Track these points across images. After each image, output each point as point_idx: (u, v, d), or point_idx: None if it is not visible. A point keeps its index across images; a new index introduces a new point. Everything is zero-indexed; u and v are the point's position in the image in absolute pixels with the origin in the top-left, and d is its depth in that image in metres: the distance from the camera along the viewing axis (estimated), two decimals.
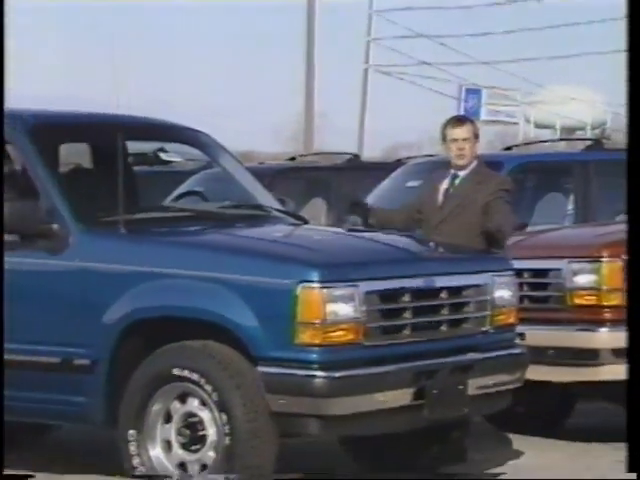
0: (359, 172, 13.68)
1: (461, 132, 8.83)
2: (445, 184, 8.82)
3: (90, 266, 7.47)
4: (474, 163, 8.80)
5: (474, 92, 38.39)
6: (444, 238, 8.38)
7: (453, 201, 8.69)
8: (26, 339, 7.58)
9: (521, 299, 8.14)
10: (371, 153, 22.84)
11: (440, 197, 8.77)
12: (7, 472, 5.87)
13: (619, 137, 22.44)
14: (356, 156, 15.95)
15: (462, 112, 37.61)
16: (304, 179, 13.61)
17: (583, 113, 35.32)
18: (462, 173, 8.77)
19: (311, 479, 5.26)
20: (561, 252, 9.02)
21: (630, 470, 5.62)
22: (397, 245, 8.04)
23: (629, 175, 5.42)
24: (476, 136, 9.03)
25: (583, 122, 33.81)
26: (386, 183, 12.03)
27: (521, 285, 8.29)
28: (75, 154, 8.77)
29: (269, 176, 10.49)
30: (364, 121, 37.66)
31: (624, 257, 8.74)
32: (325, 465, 8.19)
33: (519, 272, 8.21)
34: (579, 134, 26.20)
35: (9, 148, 8.37)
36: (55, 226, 7.54)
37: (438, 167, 12.11)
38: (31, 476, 5.70)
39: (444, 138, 8.91)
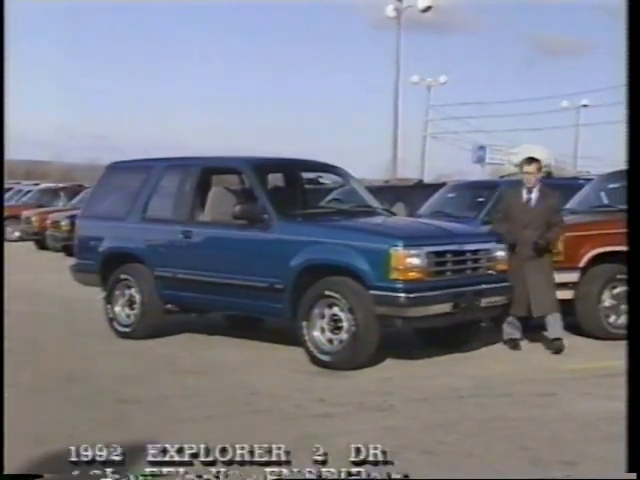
0: (422, 188, 13.58)
1: (531, 168, 7.82)
2: (524, 197, 7.81)
3: (283, 237, 7.36)
4: (538, 184, 7.85)
5: (481, 148, 37.58)
6: (534, 231, 7.62)
7: (534, 209, 7.76)
8: (249, 273, 7.51)
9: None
10: (428, 178, 22.65)
11: (525, 204, 7.80)
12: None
13: (558, 172, 21.86)
14: (420, 180, 15.95)
15: (475, 160, 37.12)
16: (393, 192, 13.40)
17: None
18: (534, 190, 7.79)
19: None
20: None
21: (630, 470, 3.90)
22: (444, 226, 7.82)
23: (629, 175, 4.27)
24: (539, 169, 7.84)
25: None
26: (437, 195, 11.78)
27: None
28: (275, 179, 8.68)
29: (374, 191, 10.29)
30: (425, 162, 37.98)
31: (565, 234, 8.43)
32: (403, 342, 7.92)
33: None
34: None
35: (243, 176, 8.36)
36: (265, 216, 7.46)
37: (464, 187, 11.82)
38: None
39: (521, 169, 8.00)
